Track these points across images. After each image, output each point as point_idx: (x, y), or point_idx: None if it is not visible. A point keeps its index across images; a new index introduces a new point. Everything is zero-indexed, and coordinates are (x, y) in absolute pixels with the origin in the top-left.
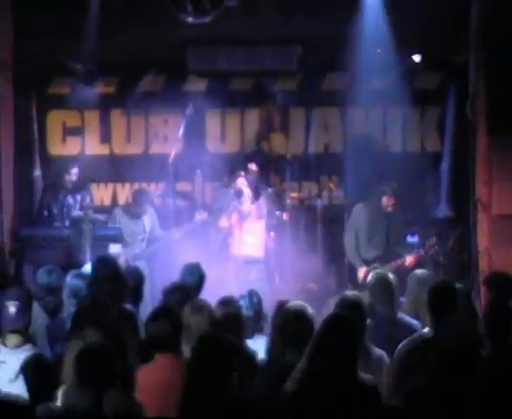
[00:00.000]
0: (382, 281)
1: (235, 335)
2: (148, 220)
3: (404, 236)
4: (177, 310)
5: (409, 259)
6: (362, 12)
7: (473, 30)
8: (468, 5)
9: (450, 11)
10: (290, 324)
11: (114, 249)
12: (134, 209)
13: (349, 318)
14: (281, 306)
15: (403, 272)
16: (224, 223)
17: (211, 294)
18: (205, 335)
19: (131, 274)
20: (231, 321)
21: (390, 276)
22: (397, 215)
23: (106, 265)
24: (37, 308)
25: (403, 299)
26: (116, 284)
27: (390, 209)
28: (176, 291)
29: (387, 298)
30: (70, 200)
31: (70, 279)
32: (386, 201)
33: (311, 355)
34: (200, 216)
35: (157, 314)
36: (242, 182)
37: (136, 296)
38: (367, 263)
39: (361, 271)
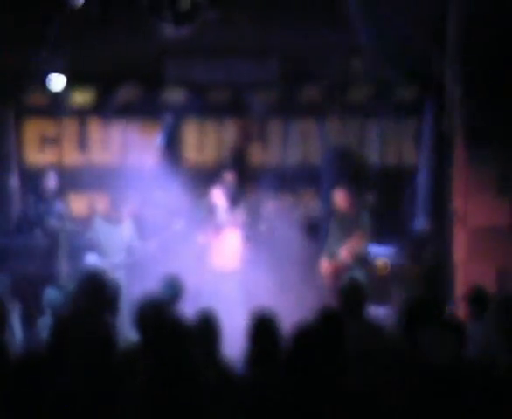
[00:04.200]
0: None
1: (212, 347)
2: (127, 229)
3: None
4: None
5: (342, 254)
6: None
7: (450, 43)
8: (445, 18)
9: (427, 24)
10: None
11: (91, 259)
12: (113, 216)
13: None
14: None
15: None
16: (201, 240)
17: (187, 305)
18: None
19: (108, 285)
20: (209, 333)
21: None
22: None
23: (94, 279)
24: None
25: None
26: (101, 298)
27: (342, 208)
28: (151, 305)
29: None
30: (47, 209)
31: (47, 291)
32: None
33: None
34: (178, 224)
35: None
36: (217, 195)
37: (113, 308)
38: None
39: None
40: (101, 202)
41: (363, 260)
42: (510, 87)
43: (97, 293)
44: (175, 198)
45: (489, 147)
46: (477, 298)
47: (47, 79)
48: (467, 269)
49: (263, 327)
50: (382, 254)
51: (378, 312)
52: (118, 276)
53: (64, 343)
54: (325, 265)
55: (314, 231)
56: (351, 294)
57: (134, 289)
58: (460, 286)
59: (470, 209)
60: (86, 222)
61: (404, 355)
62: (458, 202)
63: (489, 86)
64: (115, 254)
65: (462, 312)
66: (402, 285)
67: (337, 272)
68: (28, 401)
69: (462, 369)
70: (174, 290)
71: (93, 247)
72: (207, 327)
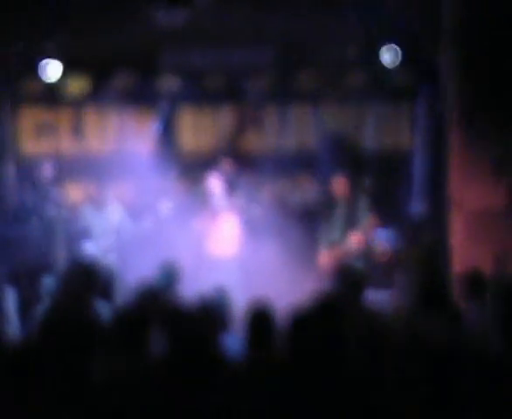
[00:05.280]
0: None
1: (211, 332)
2: (116, 212)
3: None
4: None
5: (353, 239)
6: (335, 9)
7: (446, 29)
8: (440, 4)
9: (423, 10)
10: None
11: (88, 247)
12: (100, 200)
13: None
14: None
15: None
16: (198, 226)
17: (184, 292)
18: None
19: (101, 271)
20: (207, 318)
21: None
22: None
23: (79, 265)
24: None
25: None
26: (89, 282)
27: (341, 195)
28: (145, 293)
29: None
30: (44, 198)
31: (44, 279)
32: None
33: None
34: (166, 207)
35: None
36: (213, 183)
37: (107, 293)
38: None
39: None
40: (97, 190)
41: (369, 248)
42: (506, 72)
43: (86, 280)
44: (171, 185)
45: (484, 130)
46: (473, 281)
47: (42, 68)
48: (464, 252)
49: (260, 317)
50: (381, 239)
51: (379, 296)
52: (110, 260)
53: (54, 329)
54: (326, 256)
55: (311, 216)
56: (350, 281)
57: (127, 273)
58: (458, 270)
59: (466, 193)
60: (79, 209)
61: (404, 340)
62: (454, 186)
63: (485, 71)
64: (105, 238)
65: (459, 294)
66: (401, 269)
67: (339, 262)
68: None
69: (460, 353)
70: (170, 276)
71: (88, 234)
72: (205, 314)
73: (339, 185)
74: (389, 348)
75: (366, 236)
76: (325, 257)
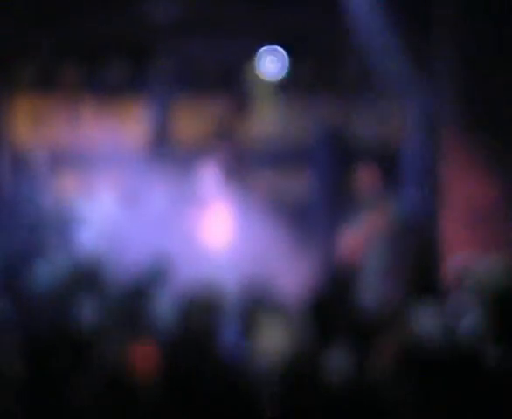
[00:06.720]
0: None
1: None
2: (108, 202)
3: None
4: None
5: (369, 220)
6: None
7: (441, 21)
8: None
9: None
10: None
11: (83, 238)
12: (92, 189)
13: None
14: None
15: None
16: (190, 215)
17: (176, 283)
18: None
19: (91, 262)
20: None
21: None
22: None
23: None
24: None
25: None
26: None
27: (367, 188)
28: (133, 286)
29: None
30: (38, 187)
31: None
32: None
33: None
34: (157, 198)
35: None
36: (208, 172)
37: (96, 283)
38: None
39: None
40: (91, 182)
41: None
42: (503, 65)
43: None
44: (165, 174)
45: (478, 128)
46: (463, 274)
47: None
48: (456, 246)
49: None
50: None
51: None
52: (101, 251)
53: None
54: (349, 238)
55: (305, 210)
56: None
57: (118, 264)
58: (449, 263)
59: (459, 188)
60: (76, 199)
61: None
62: (446, 180)
63: (480, 64)
64: (97, 228)
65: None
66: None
67: (362, 248)
68: None
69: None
70: (160, 268)
71: (82, 224)
72: (198, 308)
73: (367, 177)
74: (376, 347)
75: (377, 223)
76: (352, 239)
